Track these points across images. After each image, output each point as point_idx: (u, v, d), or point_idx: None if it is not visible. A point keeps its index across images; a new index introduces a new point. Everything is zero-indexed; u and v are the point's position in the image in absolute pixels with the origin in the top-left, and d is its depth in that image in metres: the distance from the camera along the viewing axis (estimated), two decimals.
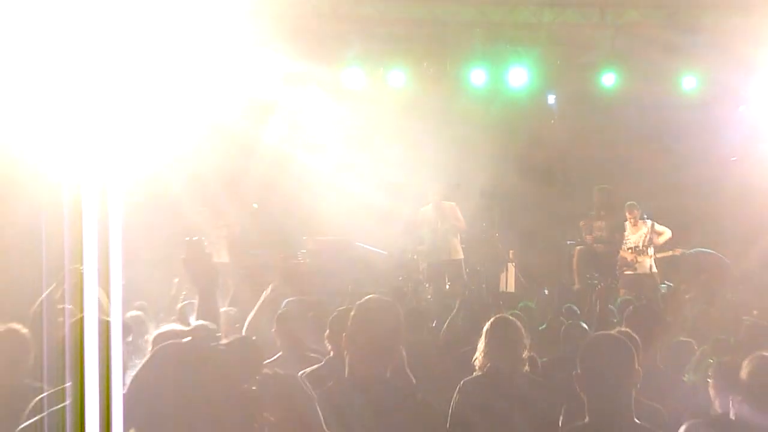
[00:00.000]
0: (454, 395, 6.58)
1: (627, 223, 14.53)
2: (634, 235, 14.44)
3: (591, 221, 15.18)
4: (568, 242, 15.28)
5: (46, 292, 7.35)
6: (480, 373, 6.72)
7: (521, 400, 6.20)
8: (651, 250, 14.39)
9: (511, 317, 7.15)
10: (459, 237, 14.24)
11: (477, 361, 6.81)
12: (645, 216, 14.38)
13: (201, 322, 6.14)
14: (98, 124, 4.50)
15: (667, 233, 14.41)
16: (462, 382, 6.70)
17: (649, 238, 14.33)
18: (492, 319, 7.06)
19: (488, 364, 6.68)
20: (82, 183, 4.22)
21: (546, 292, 12.90)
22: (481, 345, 6.82)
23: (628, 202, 14.41)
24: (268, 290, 8.42)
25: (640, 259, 14.22)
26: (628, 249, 14.52)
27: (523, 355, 6.70)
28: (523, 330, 6.86)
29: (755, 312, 9.94)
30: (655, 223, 14.45)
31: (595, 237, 14.94)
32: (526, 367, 6.73)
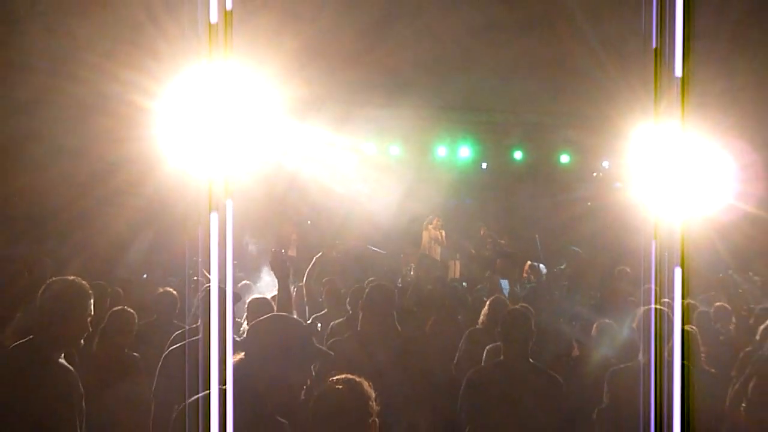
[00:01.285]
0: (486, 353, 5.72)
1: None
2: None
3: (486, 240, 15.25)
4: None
5: (187, 271, 7.42)
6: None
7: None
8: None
9: (521, 308, 5.82)
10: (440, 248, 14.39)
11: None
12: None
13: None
14: (222, 167, 4.50)
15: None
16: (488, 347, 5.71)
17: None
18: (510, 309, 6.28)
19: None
20: (212, 206, 4.23)
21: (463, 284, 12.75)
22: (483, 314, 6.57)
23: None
24: (318, 255, 8.57)
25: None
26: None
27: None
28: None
29: (598, 294, 9.93)
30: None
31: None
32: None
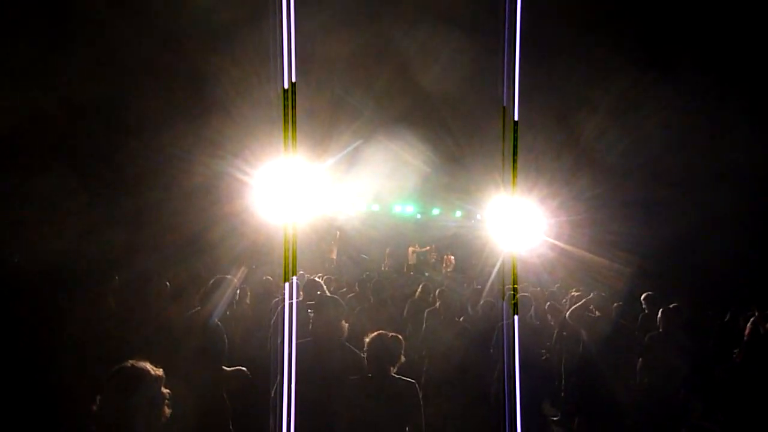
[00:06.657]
0: (426, 314, 5.10)
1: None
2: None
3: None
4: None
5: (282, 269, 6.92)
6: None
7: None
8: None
9: (447, 289, 5.51)
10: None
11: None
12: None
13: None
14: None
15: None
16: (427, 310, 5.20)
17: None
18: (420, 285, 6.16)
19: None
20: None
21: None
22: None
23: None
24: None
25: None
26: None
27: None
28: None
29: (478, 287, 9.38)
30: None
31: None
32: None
